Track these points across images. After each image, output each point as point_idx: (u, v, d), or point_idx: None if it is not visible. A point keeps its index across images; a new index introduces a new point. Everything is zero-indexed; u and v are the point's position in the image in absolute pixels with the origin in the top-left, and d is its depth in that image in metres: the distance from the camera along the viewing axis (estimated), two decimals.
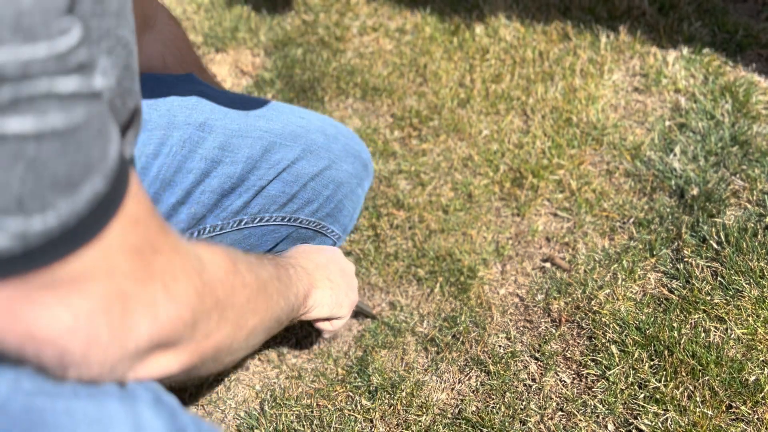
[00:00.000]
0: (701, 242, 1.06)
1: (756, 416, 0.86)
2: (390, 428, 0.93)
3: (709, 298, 0.98)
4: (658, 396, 0.89)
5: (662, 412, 0.88)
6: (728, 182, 1.13)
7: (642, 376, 0.92)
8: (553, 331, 1.00)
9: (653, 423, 0.87)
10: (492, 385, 0.95)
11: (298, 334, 1.06)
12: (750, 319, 0.95)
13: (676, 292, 1.01)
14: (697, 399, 0.88)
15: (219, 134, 0.80)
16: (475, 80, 1.41)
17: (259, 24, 1.64)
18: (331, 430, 0.93)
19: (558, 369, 0.96)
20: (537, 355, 0.98)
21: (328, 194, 0.88)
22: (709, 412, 0.86)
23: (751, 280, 0.99)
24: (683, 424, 0.86)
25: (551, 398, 0.93)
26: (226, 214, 0.83)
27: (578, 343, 0.99)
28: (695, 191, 1.12)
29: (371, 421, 0.94)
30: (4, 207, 0.30)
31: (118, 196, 0.36)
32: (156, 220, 0.40)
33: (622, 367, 0.93)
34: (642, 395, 0.90)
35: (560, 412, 0.92)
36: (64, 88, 0.31)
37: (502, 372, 0.96)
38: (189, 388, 1.00)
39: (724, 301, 0.97)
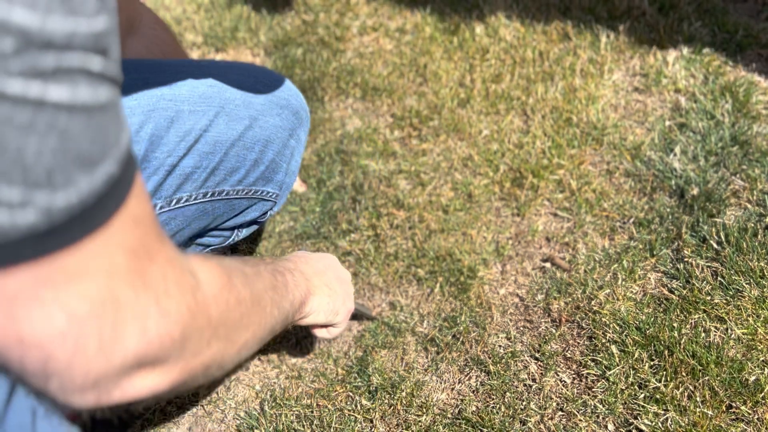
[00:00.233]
0: (701, 242, 1.06)
1: (756, 416, 0.86)
2: (390, 428, 0.93)
3: (709, 298, 0.98)
4: (658, 396, 0.89)
5: (662, 412, 0.88)
6: (728, 182, 1.13)
7: (642, 376, 0.91)
8: (553, 331, 1.00)
9: (653, 423, 0.87)
10: (492, 385, 0.95)
11: (299, 334, 1.06)
12: (750, 319, 0.95)
13: (676, 292, 1.01)
14: (697, 399, 0.88)
15: None
16: (475, 80, 1.41)
17: (259, 24, 1.64)
18: (331, 430, 0.93)
19: (558, 369, 0.96)
20: (537, 355, 0.98)
21: (254, 157, 0.78)
22: (709, 412, 0.86)
23: (751, 280, 0.99)
24: (683, 424, 0.86)
25: (551, 398, 0.93)
26: None
27: (578, 343, 0.99)
28: (695, 191, 1.12)
29: (371, 421, 0.94)
30: (36, 179, 0.30)
31: (126, 185, 0.36)
32: (155, 227, 0.39)
33: (622, 367, 0.93)
34: (642, 395, 0.90)
35: (560, 412, 0.91)
36: (94, 66, 0.32)
37: (502, 372, 0.96)
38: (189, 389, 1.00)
39: (724, 301, 0.97)
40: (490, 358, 0.98)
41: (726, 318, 0.95)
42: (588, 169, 1.22)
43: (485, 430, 0.90)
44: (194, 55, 1.61)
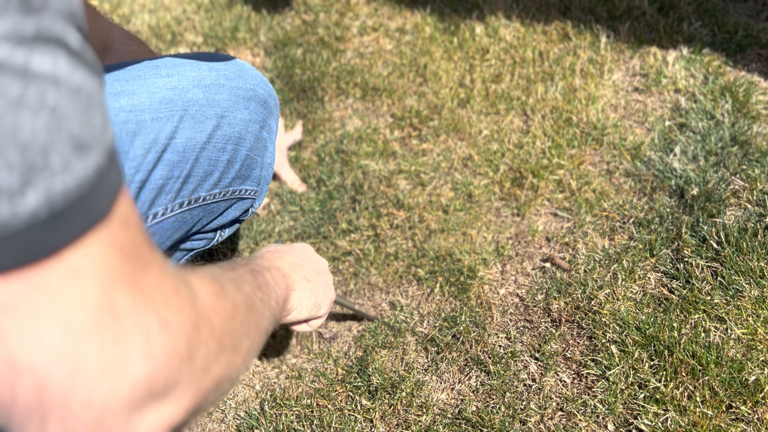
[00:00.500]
0: (701, 242, 1.06)
1: (756, 416, 0.86)
2: (390, 428, 0.93)
3: (709, 298, 0.98)
4: (658, 396, 0.89)
5: (662, 412, 0.88)
6: (728, 182, 1.13)
7: (642, 376, 0.92)
8: (553, 331, 1.00)
9: (653, 423, 0.87)
10: (492, 385, 0.95)
11: (298, 334, 1.06)
12: (750, 319, 0.95)
13: (676, 292, 1.01)
14: (697, 399, 0.88)
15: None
16: (475, 80, 1.41)
17: (259, 24, 1.64)
18: (331, 430, 0.93)
19: (558, 369, 0.96)
20: (537, 355, 0.98)
21: (227, 158, 0.75)
22: (709, 412, 0.86)
23: (751, 280, 0.99)
24: (683, 424, 0.86)
25: (551, 398, 0.93)
26: None
27: (578, 343, 0.99)
28: (695, 191, 1.12)
29: (371, 421, 0.94)
30: (33, 161, 0.30)
31: (114, 181, 0.34)
32: (144, 233, 0.37)
33: (622, 367, 0.93)
34: (642, 395, 0.90)
35: (560, 412, 0.92)
36: (73, 42, 0.32)
37: (502, 372, 0.96)
38: None
39: (724, 301, 0.97)
40: (490, 358, 0.98)
41: (726, 318, 0.95)
42: (588, 169, 1.22)
43: (485, 430, 0.90)
44: None
